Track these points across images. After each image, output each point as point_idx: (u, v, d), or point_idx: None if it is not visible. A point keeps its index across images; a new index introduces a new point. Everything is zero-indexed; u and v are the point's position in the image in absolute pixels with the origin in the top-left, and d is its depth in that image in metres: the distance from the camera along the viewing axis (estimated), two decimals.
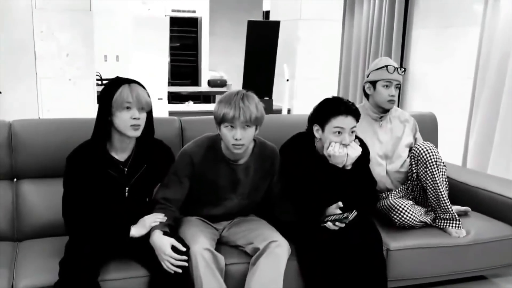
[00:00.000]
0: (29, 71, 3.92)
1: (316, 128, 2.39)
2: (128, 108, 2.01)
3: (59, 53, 3.87)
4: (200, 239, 2.12)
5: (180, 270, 1.98)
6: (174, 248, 2.00)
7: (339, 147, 2.31)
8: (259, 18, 9.22)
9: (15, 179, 2.47)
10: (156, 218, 2.09)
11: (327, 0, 5.11)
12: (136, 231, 2.07)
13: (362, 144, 2.50)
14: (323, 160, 2.38)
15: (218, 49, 9.24)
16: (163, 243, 2.01)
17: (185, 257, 2.00)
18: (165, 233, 2.06)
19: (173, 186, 2.24)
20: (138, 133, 2.07)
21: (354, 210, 2.22)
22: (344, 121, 2.31)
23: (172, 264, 1.98)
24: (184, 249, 2.02)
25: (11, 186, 2.44)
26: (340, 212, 2.28)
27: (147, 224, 2.08)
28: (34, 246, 2.25)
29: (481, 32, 4.13)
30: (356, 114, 2.34)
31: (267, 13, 9.15)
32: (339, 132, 2.31)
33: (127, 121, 2.02)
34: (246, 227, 2.33)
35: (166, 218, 2.12)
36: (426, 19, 5.03)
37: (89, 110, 3.94)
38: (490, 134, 3.91)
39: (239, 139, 2.10)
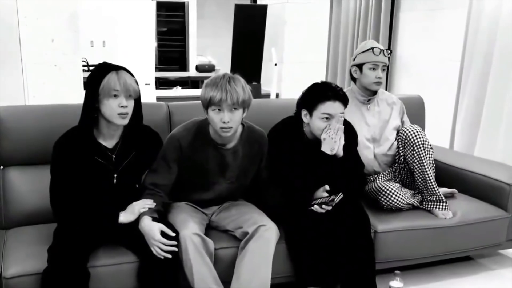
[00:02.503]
0: (14, 57, 3.86)
1: (304, 113, 2.39)
2: (115, 96, 1.99)
3: (44, 39, 3.81)
4: (189, 224, 2.13)
5: (169, 256, 1.99)
6: (163, 234, 2.00)
7: (333, 133, 2.31)
8: (247, 1, 9.16)
9: (1, 167, 2.44)
10: (144, 204, 2.09)
11: None
12: (125, 217, 2.06)
13: (350, 127, 2.51)
14: (311, 145, 2.39)
15: (206, 33, 9.17)
16: (152, 229, 2.01)
17: (174, 242, 2.01)
18: (154, 219, 2.06)
19: (161, 171, 2.23)
20: (125, 121, 2.05)
21: (341, 193, 2.23)
22: (332, 107, 2.31)
23: (162, 250, 1.98)
24: (173, 234, 2.02)
25: None
26: (327, 195, 2.30)
27: (135, 210, 2.08)
28: (22, 233, 2.23)
29: (468, 15, 4.13)
30: (344, 100, 2.34)
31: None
32: (327, 118, 2.31)
33: (115, 109, 2.00)
34: (235, 211, 2.34)
35: (154, 204, 2.11)
36: (414, 1, 5.02)
37: (75, 96, 3.90)
38: (477, 116, 3.93)
39: (227, 122, 2.09)
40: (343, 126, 2.34)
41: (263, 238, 2.15)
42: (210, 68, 7.36)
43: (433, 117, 3.49)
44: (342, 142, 2.33)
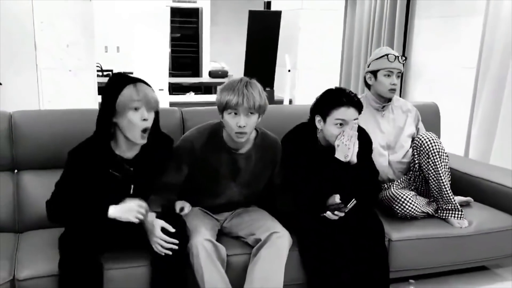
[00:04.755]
0: (29, 62, 3.89)
1: (318, 119, 2.37)
2: (136, 109, 1.95)
3: (59, 44, 3.85)
4: (201, 230, 2.12)
5: (170, 252, 1.96)
6: (164, 231, 1.98)
7: (347, 139, 2.29)
8: (260, 8, 9.17)
9: (15, 171, 2.46)
10: (140, 209, 1.97)
11: None
12: (114, 212, 1.94)
13: (365, 134, 2.49)
14: (325, 151, 2.37)
15: (219, 39, 9.19)
16: (153, 225, 1.99)
17: (175, 241, 1.97)
18: (157, 214, 2.04)
19: (171, 171, 2.22)
20: (145, 140, 2.02)
21: (353, 199, 2.21)
22: (346, 113, 2.29)
23: (162, 246, 1.96)
24: (173, 230, 1.99)
25: (11, 178, 2.43)
26: (339, 201, 2.27)
27: (125, 212, 1.95)
28: (35, 236, 2.25)
29: (484, 22, 4.09)
30: (358, 106, 2.32)
31: (268, 3, 9.08)
32: (340, 124, 2.29)
33: (137, 124, 1.95)
34: (247, 217, 2.32)
35: (147, 210, 2.02)
36: (429, 8, 4.98)
37: (90, 101, 3.93)
38: (492, 124, 3.89)
39: (242, 126, 2.08)
40: (357, 133, 2.32)
41: (276, 245, 2.13)
42: (223, 74, 7.37)
43: (448, 124, 3.45)
44: (356, 149, 2.31)
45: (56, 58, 3.86)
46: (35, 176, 2.44)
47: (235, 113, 2.10)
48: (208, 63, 9.01)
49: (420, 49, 5.08)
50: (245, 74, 4.93)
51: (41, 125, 2.47)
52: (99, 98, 4.06)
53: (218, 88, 2.23)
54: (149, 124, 1.99)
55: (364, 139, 2.44)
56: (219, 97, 2.12)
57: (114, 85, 1.98)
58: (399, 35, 5.16)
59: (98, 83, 4.04)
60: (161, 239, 1.97)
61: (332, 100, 2.33)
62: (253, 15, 4.70)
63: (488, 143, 3.88)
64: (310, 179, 2.33)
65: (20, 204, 2.38)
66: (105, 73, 6.87)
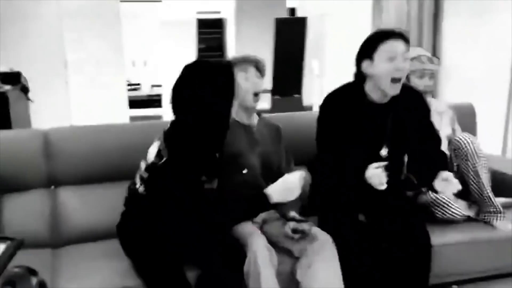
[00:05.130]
0: (59, 79, 3.97)
1: (366, 63, 2.21)
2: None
3: (89, 60, 3.91)
4: (259, 235, 2.08)
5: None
6: None
7: (380, 171, 2.11)
8: (284, 14, 9.18)
9: (52, 187, 2.49)
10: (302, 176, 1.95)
11: None
12: (278, 194, 1.91)
13: (421, 98, 2.39)
14: (374, 107, 2.24)
15: (245, 49, 9.20)
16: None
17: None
18: None
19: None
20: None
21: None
22: (394, 45, 2.14)
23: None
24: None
25: (49, 193, 2.46)
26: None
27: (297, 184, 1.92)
28: (73, 252, 2.25)
29: None
30: (405, 38, 2.18)
31: (291, 10, 9.08)
32: (391, 59, 2.14)
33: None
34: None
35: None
36: (457, 6, 4.91)
37: (121, 116, 3.97)
38: None
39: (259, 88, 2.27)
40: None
41: (325, 252, 2.09)
42: None
43: (484, 124, 3.36)
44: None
45: (86, 75, 3.93)
46: (71, 191, 2.46)
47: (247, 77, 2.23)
48: None
49: (451, 48, 5.00)
50: (273, 81, 4.95)
51: (74, 141, 2.49)
52: (130, 112, 4.12)
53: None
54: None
55: (419, 104, 2.35)
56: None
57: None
58: (428, 35, 5.09)
59: (129, 97, 4.11)
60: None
61: (377, 36, 2.21)
62: (279, 22, 4.70)
63: None
64: (352, 143, 2.22)
65: (58, 220, 2.40)
66: (133, 87, 6.97)
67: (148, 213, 1.99)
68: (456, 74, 4.88)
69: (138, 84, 7.47)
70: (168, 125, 2.02)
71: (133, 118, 4.10)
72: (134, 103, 4.59)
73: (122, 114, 4.00)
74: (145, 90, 7.36)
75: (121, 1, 3.98)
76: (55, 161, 2.43)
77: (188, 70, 1.96)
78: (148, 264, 1.95)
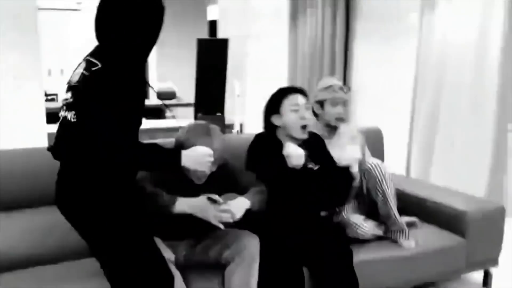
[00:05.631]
0: None
1: (274, 117, 2.56)
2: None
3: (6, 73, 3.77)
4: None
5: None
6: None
7: (294, 147, 2.43)
8: (205, 26, 9.20)
9: None
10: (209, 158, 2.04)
11: (272, 16, 5.25)
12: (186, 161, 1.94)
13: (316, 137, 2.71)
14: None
15: (167, 66, 9.03)
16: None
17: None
18: None
19: None
20: None
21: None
22: (295, 98, 2.54)
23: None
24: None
25: None
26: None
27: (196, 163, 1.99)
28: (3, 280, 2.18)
29: (418, 43, 4.35)
30: (303, 92, 2.60)
31: (211, 23, 9.14)
32: (295, 110, 2.51)
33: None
34: (212, 238, 2.32)
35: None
36: (367, 30, 5.23)
37: (38, 134, 3.87)
38: (430, 144, 4.13)
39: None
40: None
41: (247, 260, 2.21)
42: (171, 96, 7.35)
43: (389, 144, 3.63)
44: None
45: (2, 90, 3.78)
46: None
47: None
48: (155, 84, 8.92)
49: (360, 70, 5.32)
50: (196, 101, 5.03)
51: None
52: (48, 128, 4.00)
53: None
54: None
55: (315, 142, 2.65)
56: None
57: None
58: (340, 57, 5.38)
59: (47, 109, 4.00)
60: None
61: (279, 93, 2.60)
62: (201, 43, 4.79)
63: (428, 162, 4.11)
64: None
65: None
66: (49, 97, 6.75)
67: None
68: (366, 95, 5.20)
69: (55, 95, 7.23)
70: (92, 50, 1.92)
71: (51, 135, 3.98)
72: (51, 116, 4.43)
73: (40, 131, 3.89)
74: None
75: (40, 9, 3.87)
76: None
77: None
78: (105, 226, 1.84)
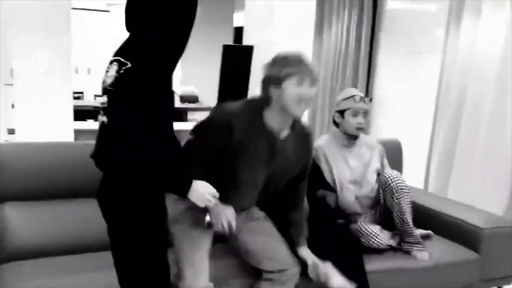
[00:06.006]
0: None
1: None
2: None
3: (36, 70, 3.89)
4: (204, 273, 2.07)
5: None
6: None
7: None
8: (230, 32, 9.27)
9: None
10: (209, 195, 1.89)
11: (298, 24, 5.29)
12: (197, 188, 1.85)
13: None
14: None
15: (191, 70, 9.16)
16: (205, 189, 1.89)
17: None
18: None
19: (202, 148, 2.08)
20: None
21: None
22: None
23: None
24: (217, 194, 1.91)
25: None
26: None
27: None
28: (17, 268, 2.28)
29: (442, 59, 4.36)
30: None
31: (237, 29, 9.23)
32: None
33: None
34: (259, 238, 2.28)
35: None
36: (392, 44, 5.25)
37: (65, 129, 3.98)
38: (449, 158, 4.13)
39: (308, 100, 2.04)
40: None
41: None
42: (194, 99, 7.45)
43: (409, 156, 3.66)
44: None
45: (33, 85, 3.91)
46: (18, 207, 2.49)
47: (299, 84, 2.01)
48: (177, 87, 9.05)
49: (383, 82, 5.34)
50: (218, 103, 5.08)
51: (22, 157, 2.53)
52: (75, 125, 4.13)
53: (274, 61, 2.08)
54: None
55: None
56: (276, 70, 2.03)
57: None
58: (363, 68, 5.42)
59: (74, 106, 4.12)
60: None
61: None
62: (226, 49, 4.86)
63: (446, 177, 4.12)
64: None
65: (1, 234, 2.42)
66: (76, 95, 6.89)
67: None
68: (387, 106, 5.22)
69: (81, 93, 7.38)
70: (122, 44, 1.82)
71: (78, 132, 4.10)
72: (77, 113, 4.56)
73: (67, 127, 4.00)
74: (88, 100, 7.30)
75: (72, 9, 4.00)
76: (3, 176, 2.46)
77: None
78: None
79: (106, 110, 1.76)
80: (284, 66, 2.01)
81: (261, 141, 2.09)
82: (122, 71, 1.70)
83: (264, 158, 2.11)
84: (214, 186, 1.92)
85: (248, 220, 2.32)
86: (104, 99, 1.77)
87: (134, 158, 1.68)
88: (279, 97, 2.03)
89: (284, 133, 2.16)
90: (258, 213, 2.40)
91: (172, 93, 1.79)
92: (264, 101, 2.08)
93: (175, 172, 1.81)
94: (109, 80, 1.76)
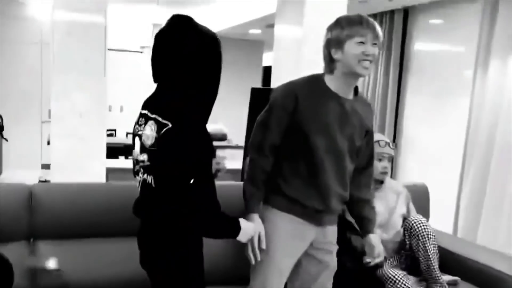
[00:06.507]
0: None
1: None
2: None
3: (72, 111, 4.05)
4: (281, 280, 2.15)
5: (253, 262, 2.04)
6: None
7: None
8: (259, 71, 9.44)
9: (31, 239, 2.61)
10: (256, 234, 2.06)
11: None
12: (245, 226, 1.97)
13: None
14: None
15: (218, 108, 9.34)
16: (255, 226, 2.03)
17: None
18: None
19: (270, 126, 2.09)
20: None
21: None
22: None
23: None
24: (263, 246, 2.04)
25: (27, 246, 2.57)
26: None
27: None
28: None
29: (470, 102, 4.37)
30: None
31: (266, 68, 9.41)
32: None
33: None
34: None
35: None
36: (420, 85, 5.28)
37: (98, 167, 4.10)
38: (479, 204, 4.08)
39: (371, 55, 2.01)
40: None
41: None
42: (223, 137, 7.55)
43: (437, 200, 3.64)
44: None
45: (68, 125, 4.06)
46: (51, 245, 2.57)
47: (362, 42, 1.99)
48: None
49: (411, 125, 5.35)
50: (245, 145, 5.18)
51: (57, 197, 2.64)
52: (107, 162, 4.25)
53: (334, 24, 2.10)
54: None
55: None
56: (338, 31, 2.03)
57: None
58: (391, 110, 5.45)
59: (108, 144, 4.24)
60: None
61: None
62: (255, 92, 4.97)
63: (475, 222, 4.06)
64: None
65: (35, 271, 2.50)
66: (108, 132, 7.10)
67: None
68: (415, 148, 5.21)
69: (114, 130, 7.60)
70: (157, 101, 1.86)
71: (109, 170, 4.22)
72: (110, 150, 4.69)
73: (99, 165, 4.12)
74: (121, 137, 7.50)
75: (108, 49, 4.17)
76: (37, 215, 2.56)
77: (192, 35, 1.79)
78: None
79: (148, 169, 1.81)
80: (344, 28, 2.01)
81: (328, 103, 2.08)
82: (162, 132, 1.73)
83: (337, 119, 2.09)
84: (294, 173, 2.09)
85: (320, 245, 2.24)
86: (144, 157, 1.82)
87: (188, 219, 1.79)
88: (342, 59, 2.03)
89: (350, 96, 2.15)
90: (334, 236, 2.31)
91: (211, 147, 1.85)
92: (327, 67, 2.10)
93: (225, 220, 1.90)
94: (149, 141, 1.78)
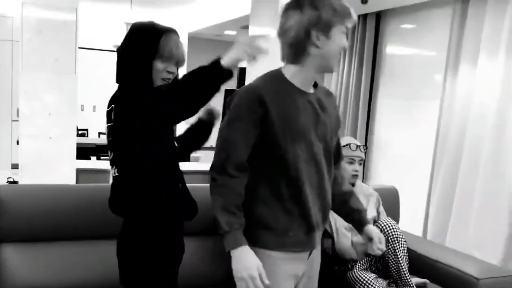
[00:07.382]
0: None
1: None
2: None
3: (42, 112, 3.98)
4: None
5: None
6: None
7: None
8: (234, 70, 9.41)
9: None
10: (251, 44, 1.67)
11: None
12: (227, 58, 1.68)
13: None
14: None
15: None
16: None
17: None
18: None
19: (235, 141, 1.72)
20: None
21: None
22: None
23: None
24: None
25: None
26: None
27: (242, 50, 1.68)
28: None
29: (440, 105, 4.43)
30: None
31: (241, 70, 9.39)
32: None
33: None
34: None
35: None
36: (391, 88, 5.34)
37: (67, 168, 4.04)
38: (448, 207, 4.15)
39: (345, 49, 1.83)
40: None
41: None
42: None
43: (407, 203, 3.68)
44: None
45: (38, 126, 3.99)
46: (19, 248, 2.51)
47: (345, 33, 1.75)
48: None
49: (383, 127, 5.40)
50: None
51: (25, 199, 2.57)
52: (77, 163, 4.19)
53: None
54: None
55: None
56: (330, 12, 1.69)
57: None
58: (363, 112, 5.49)
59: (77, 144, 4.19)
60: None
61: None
62: (228, 93, 4.97)
63: (444, 224, 4.13)
64: None
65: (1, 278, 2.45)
66: (80, 132, 6.99)
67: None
68: (386, 151, 5.26)
69: (86, 130, 7.49)
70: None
71: (80, 171, 4.16)
72: (80, 151, 4.62)
73: (69, 166, 4.06)
74: (93, 137, 7.40)
75: (79, 48, 4.11)
76: (3, 218, 2.50)
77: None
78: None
79: (112, 160, 1.93)
80: (337, 10, 1.69)
81: (297, 102, 1.76)
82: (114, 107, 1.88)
83: (310, 119, 1.78)
84: (275, 195, 1.75)
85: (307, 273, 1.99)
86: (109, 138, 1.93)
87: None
88: (324, 48, 1.72)
89: (311, 90, 1.85)
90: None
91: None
92: (293, 56, 1.77)
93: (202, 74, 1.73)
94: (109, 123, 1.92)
